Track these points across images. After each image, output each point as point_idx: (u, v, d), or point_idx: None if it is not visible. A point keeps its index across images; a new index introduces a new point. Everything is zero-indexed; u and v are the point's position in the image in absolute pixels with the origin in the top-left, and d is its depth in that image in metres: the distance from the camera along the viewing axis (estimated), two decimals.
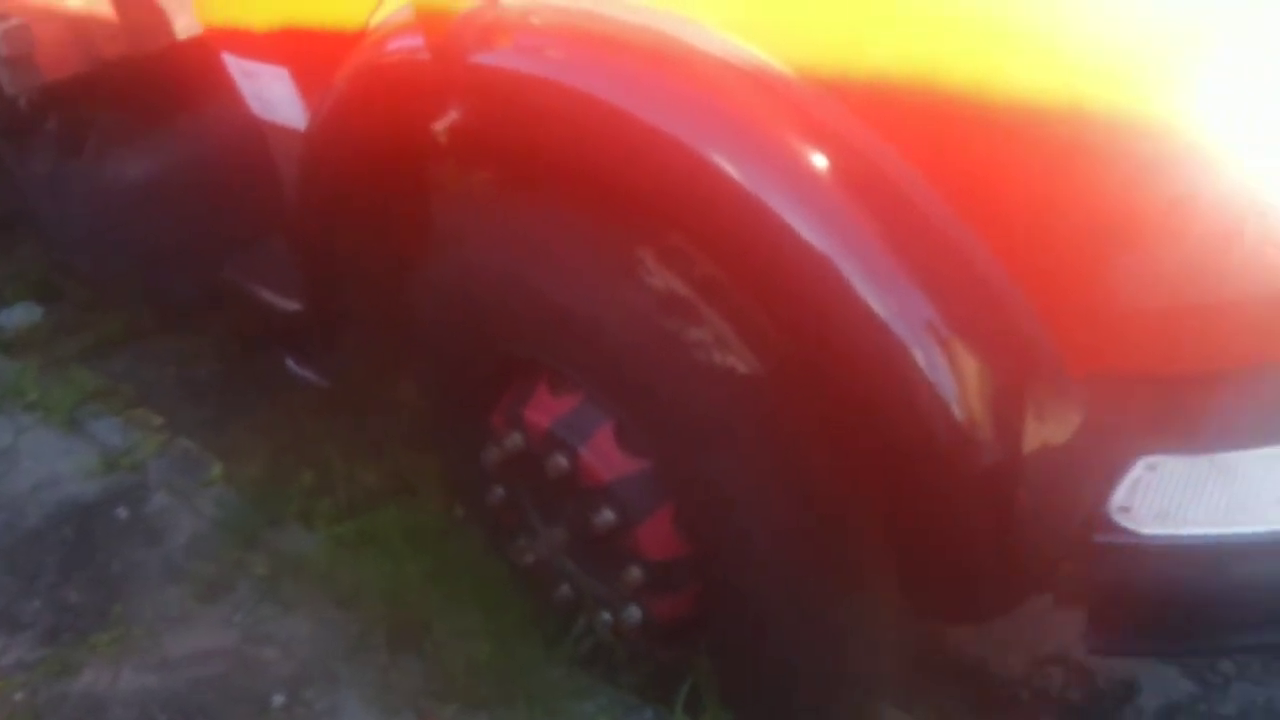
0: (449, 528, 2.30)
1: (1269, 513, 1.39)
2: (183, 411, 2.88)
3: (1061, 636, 2.15)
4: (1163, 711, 2.11)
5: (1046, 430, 1.44)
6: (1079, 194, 1.30)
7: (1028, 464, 1.45)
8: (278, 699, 2.05)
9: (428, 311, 1.97)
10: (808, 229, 1.39)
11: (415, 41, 1.65)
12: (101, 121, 2.57)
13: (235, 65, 2.11)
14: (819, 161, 1.39)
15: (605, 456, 1.76)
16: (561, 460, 1.79)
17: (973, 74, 1.29)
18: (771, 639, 1.77)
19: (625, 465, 1.75)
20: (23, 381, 2.92)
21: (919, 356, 1.39)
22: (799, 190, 1.41)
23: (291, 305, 2.25)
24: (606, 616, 1.92)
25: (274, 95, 2.06)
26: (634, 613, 1.85)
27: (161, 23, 2.34)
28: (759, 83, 1.42)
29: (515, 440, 1.87)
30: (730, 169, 1.42)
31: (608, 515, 1.77)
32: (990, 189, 1.35)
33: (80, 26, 2.41)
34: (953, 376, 1.40)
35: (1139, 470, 1.42)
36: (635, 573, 1.79)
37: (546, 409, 1.82)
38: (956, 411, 1.41)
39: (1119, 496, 1.42)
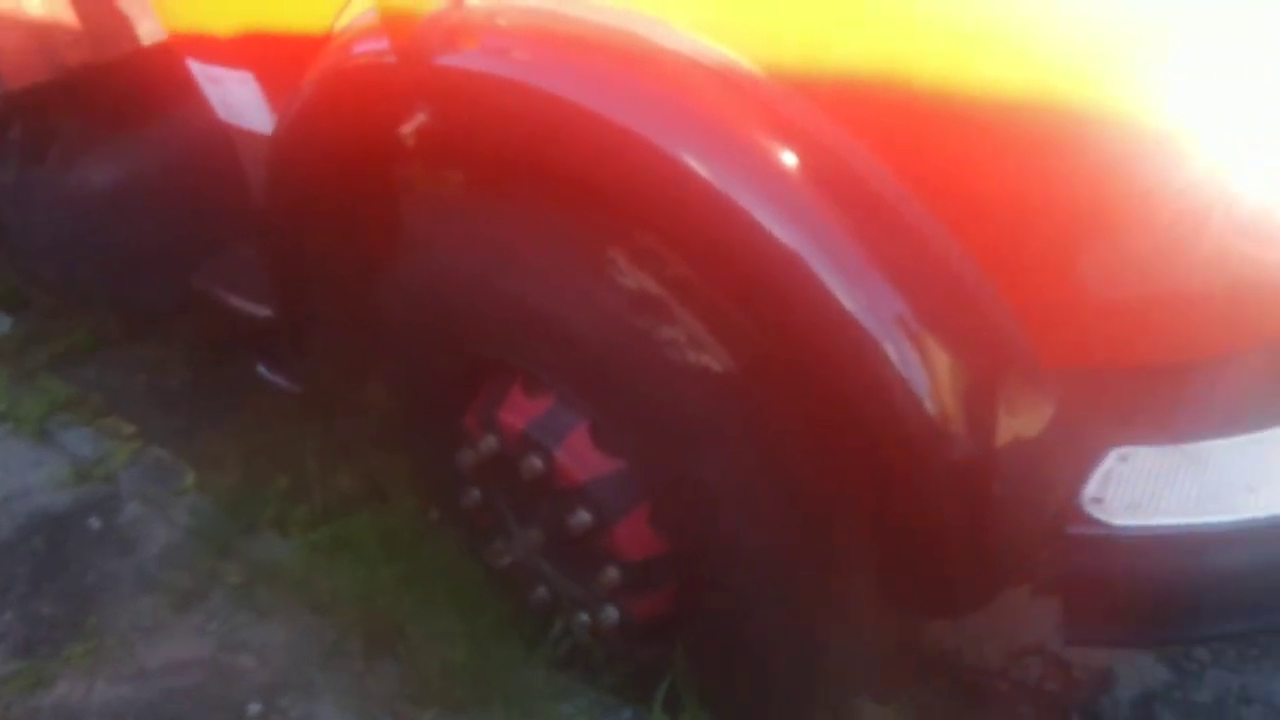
0: (424, 531, 2.29)
1: (1240, 501, 1.40)
2: (154, 420, 2.85)
3: (1038, 628, 2.16)
4: (1139, 700, 2.13)
5: (1019, 423, 1.45)
6: (1048, 187, 1.31)
7: (1001, 457, 1.45)
8: (254, 707, 2.04)
9: (398, 314, 1.96)
10: (777, 226, 1.39)
11: (381, 44, 1.64)
12: (65, 129, 2.55)
13: (200, 71, 2.09)
14: (788, 159, 1.39)
15: (580, 457, 1.76)
16: (536, 462, 1.78)
17: (941, 70, 1.29)
18: (749, 636, 1.77)
19: (601, 465, 1.75)
20: None
21: (890, 351, 1.40)
22: (768, 188, 1.41)
23: (261, 310, 2.23)
24: (584, 617, 1.91)
25: (240, 100, 2.04)
26: (611, 613, 1.85)
27: (124, 29, 2.32)
28: (726, 81, 1.42)
29: (489, 442, 1.87)
30: (699, 168, 1.41)
31: (584, 516, 1.76)
32: (960, 184, 1.35)
33: (42, 33, 2.38)
34: (924, 370, 1.41)
35: (1111, 461, 1.44)
36: (612, 573, 1.79)
37: (520, 410, 1.82)
38: (928, 405, 1.41)
39: (1091, 488, 1.43)
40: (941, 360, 1.42)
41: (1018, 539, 1.54)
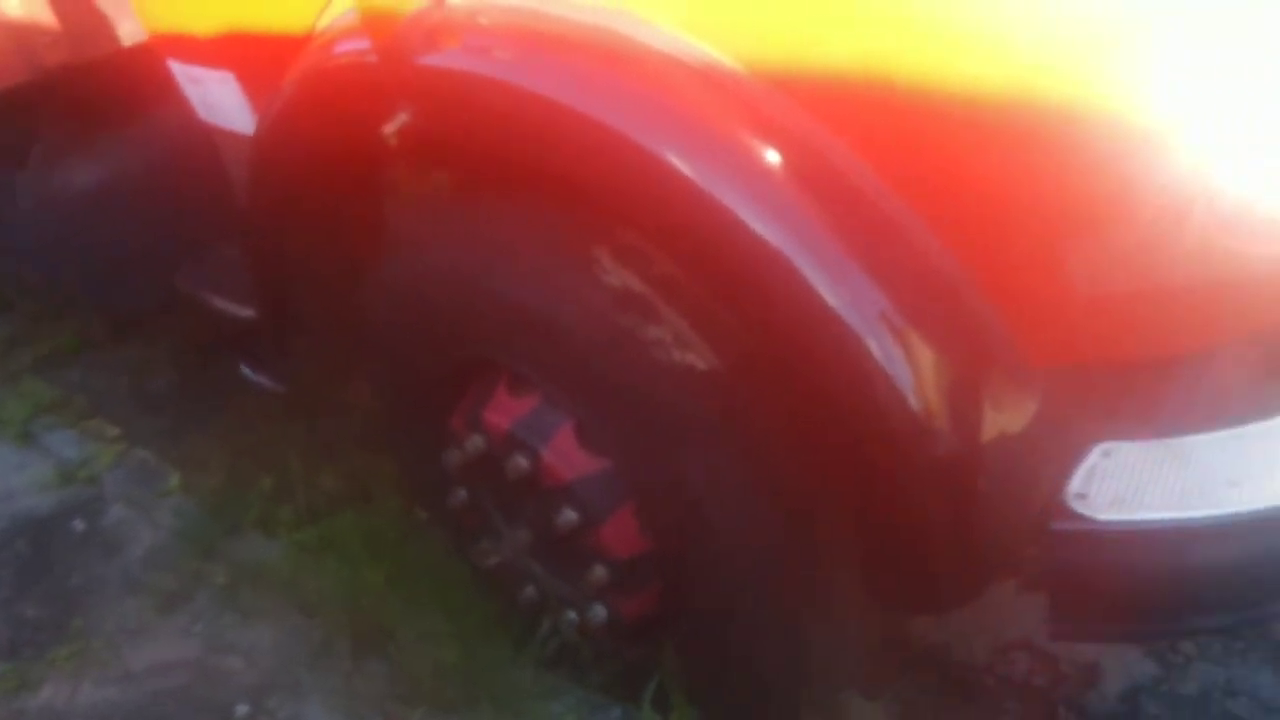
0: (410, 531, 2.29)
1: (1222, 496, 1.40)
2: (138, 422, 2.84)
3: (1025, 623, 2.16)
4: (1126, 693, 2.13)
5: (1003, 418, 1.45)
6: (1030, 184, 1.31)
7: (985, 452, 1.46)
8: (241, 709, 2.03)
9: (382, 314, 1.96)
10: (760, 224, 1.39)
11: (362, 44, 1.64)
12: (46, 130, 2.53)
13: (181, 71, 2.09)
14: (770, 157, 1.39)
15: (567, 456, 1.76)
16: (523, 461, 1.78)
17: (923, 67, 1.29)
18: (736, 634, 1.77)
19: (587, 464, 1.75)
20: None
21: (874, 348, 1.40)
22: (750, 185, 1.41)
23: (244, 311, 2.23)
24: (572, 616, 1.91)
25: (221, 100, 2.03)
26: (599, 612, 1.85)
27: (104, 29, 2.30)
28: (709, 79, 1.42)
29: (475, 442, 1.86)
30: (682, 166, 1.41)
31: (570, 515, 1.76)
32: (942, 180, 1.35)
33: (20, 34, 2.37)
34: (908, 367, 1.41)
35: (1095, 457, 1.44)
36: (599, 571, 1.79)
37: (506, 410, 1.82)
38: (913, 402, 1.41)
39: (1075, 483, 1.44)
40: (925, 356, 1.42)
41: (1003, 534, 1.54)
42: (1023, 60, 1.26)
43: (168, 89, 2.12)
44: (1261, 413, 1.44)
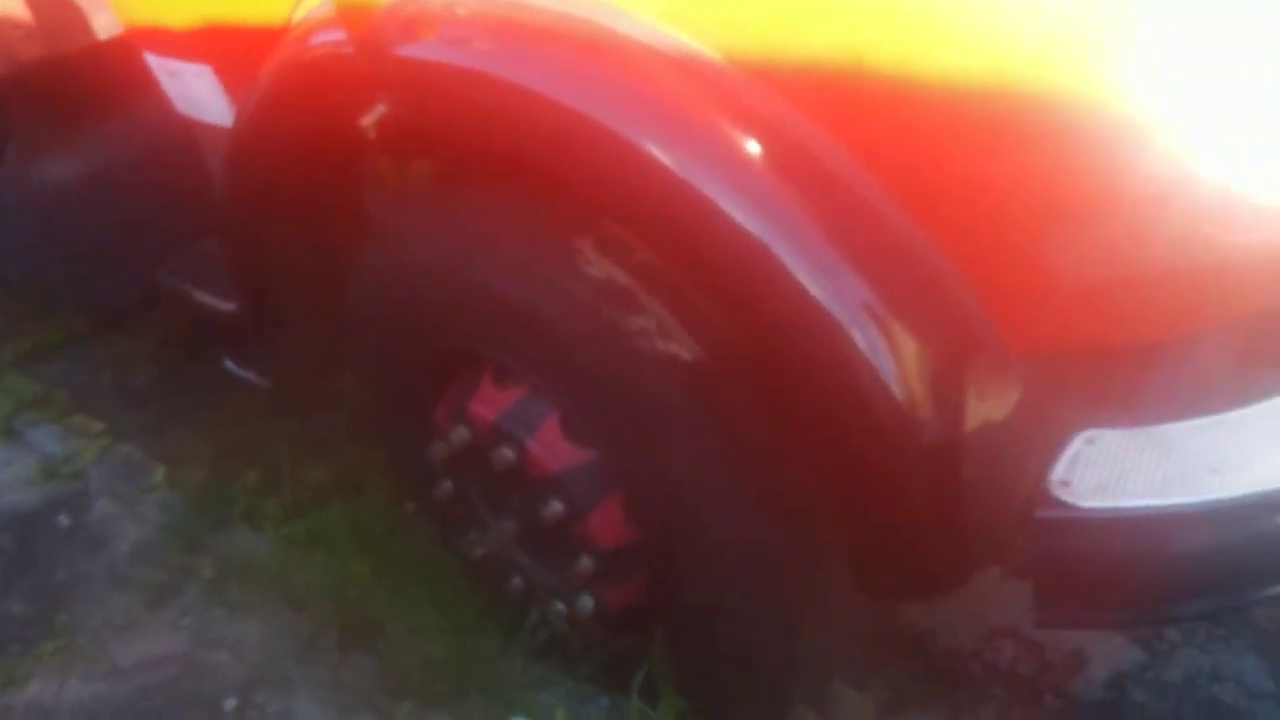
0: (397, 524, 2.29)
1: (1204, 483, 1.40)
2: (122, 417, 2.83)
3: (1010, 610, 2.17)
4: (1112, 680, 2.14)
5: (986, 407, 1.45)
6: (1012, 173, 1.31)
7: (969, 441, 1.46)
8: (230, 703, 2.03)
9: (365, 307, 1.95)
10: (742, 214, 1.39)
11: (338, 35, 1.63)
12: (23, 126, 2.52)
13: (158, 64, 2.07)
14: (751, 147, 1.39)
15: (552, 448, 1.76)
16: (508, 453, 1.78)
17: (904, 57, 1.29)
18: (724, 623, 1.77)
19: (573, 456, 1.75)
20: None
21: (857, 338, 1.40)
22: (732, 175, 1.40)
23: (226, 305, 2.21)
24: (560, 607, 1.92)
25: (199, 93, 2.02)
26: (587, 602, 1.85)
27: (79, 22, 2.29)
28: (688, 69, 1.41)
29: (461, 434, 1.86)
30: (662, 156, 1.41)
31: (557, 506, 1.77)
32: (923, 170, 1.35)
33: None
34: (891, 356, 1.41)
35: (1078, 445, 1.44)
36: (586, 562, 1.79)
37: (491, 402, 1.81)
38: (896, 391, 1.42)
39: (1059, 471, 1.44)
40: (909, 346, 1.42)
41: (988, 522, 1.54)
42: (1004, 49, 1.26)
43: (145, 82, 2.11)
44: (1243, 400, 1.44)
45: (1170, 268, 1.31)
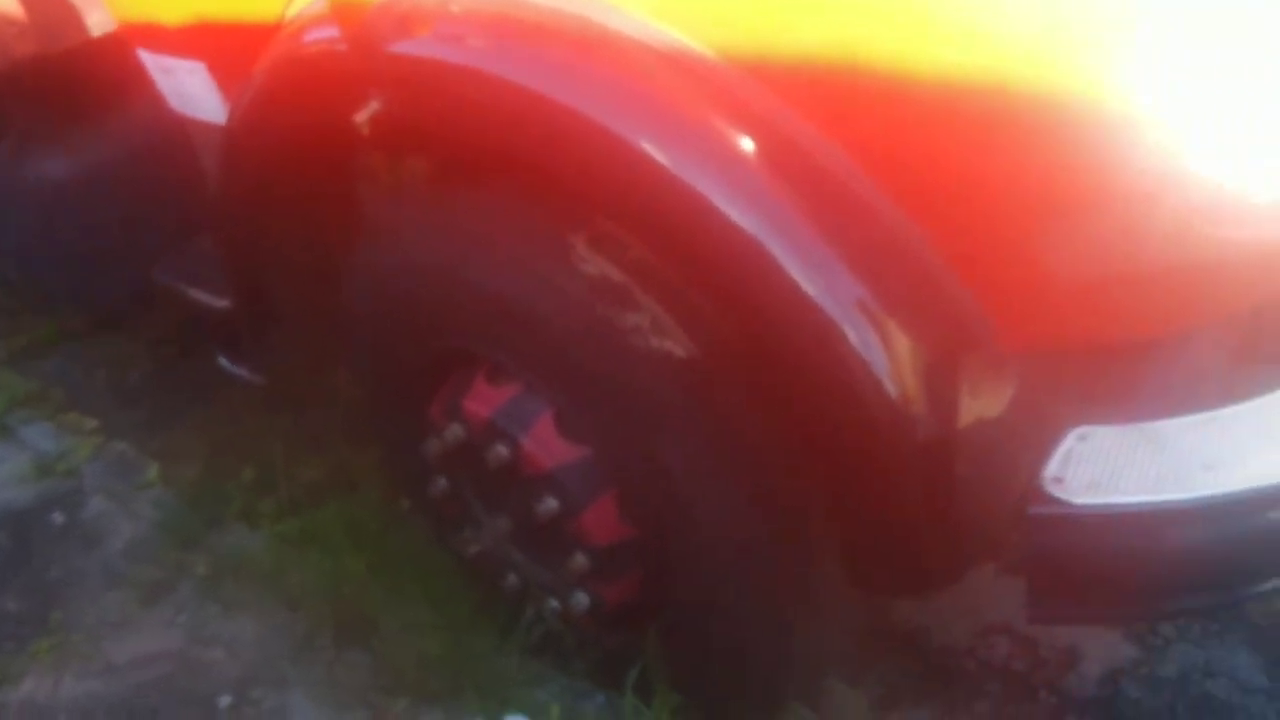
0: (392, 522, 2.29)
1: (1197, 479, 1.40)
2: (116, 414, 2.82)
3: (1004, 606, 2.17)
4: (1106, 676, 2.14)
5: (979, 404, 1.46)
6: (1006, 170, 1.31)
7: (963, 437, 1.46)
8: (225, 700, 2.03)
9: (359, 304, 1.95)
10: (735, 211, 1.39)
11: (331, 32, 1.63)
12: (16, 123, 2.51)
13: (151, 61, 2.07)
14: (744, 144, 1.39)
15: (546, 445, 1.76)
16: (503, 450, 1.78)
17: (897, 53, 1.29)
18: (718, 619, 1.78)
19: (567, 453, 1.75)
20: None
21: (851, 334, 1.40)
22: (725, 172, 1.40)
23: (221, 303, 2.21)
24: (555, 604, 1.92)
25: (192, 90, 2.02)
26: (581, 599, 1.85)
27: (73, 20, 2.28)
28: (680, 66, 1.41)
29: (455, 431, 1.86)
30: (655, 153, 1.41)
31: (551, 503, 1.76)
32: (917, 167, 1.35)
33: None
34: (885, 353, 1.41)
35: (1071, 441, 1.45)
36: (581, 559, 1.79)
37: (486, 399, 1.81)
38: (890, 387, 1.42)
39: (1052, 468, 1.44)
40: (902, 343, 1.42)
41: (982, 518, 1.54)
42: (996, 46, 1.25)
43: (139, 80, 2.11)
44: (1236, 396, 1.45)
45: (1163, 264, 1.31)
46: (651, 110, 1.43)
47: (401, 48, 1.56)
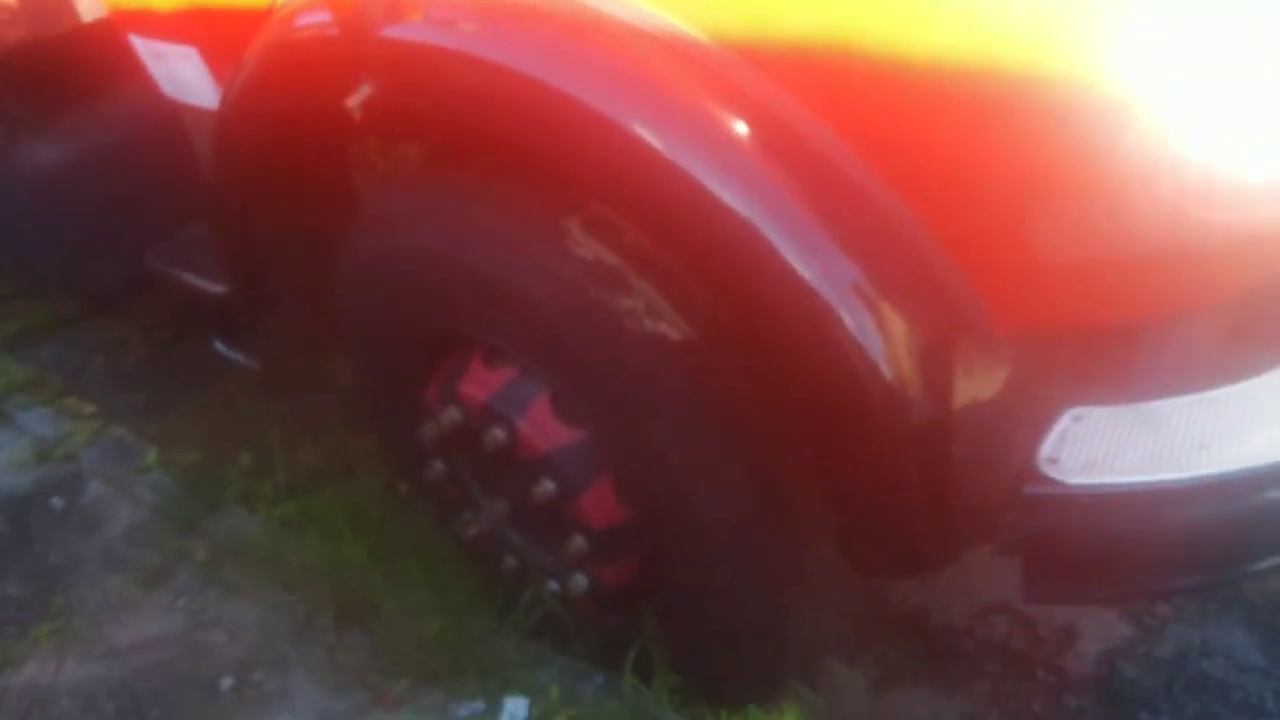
0: (391, 505, 2.29)
1: (1192, 459, 1.40)
2: (114, 399, 2.84)
3: (1002, 586, 2.18)
4: (1103, 655, 2.15)
5: (975, 385, 1.46)
6: (999, 153, 1.30)
7: (958, 419, 1.46)
8: (226, 682, 2.04)
9: (354, 288, 1.95)
10: (729, 194, 1.39)
11: (323, 17, 1.62)
12: (8, 109, 2.50)
13: (143, 46, 2.06)
14: (738, 127, 1.38)
15: (543, 427, 1.76)
16: (499, 433, 1.78)
17: (891, 37, 1.28)
18: (715, 601, 1.78)
19: (563, 435, 1.75)
20: None
21: (846, 317, 1.40)
22: (719, 156, 1.40)
23: (216, 288, 2.21)
24: (553, 586, 1.92)
25: (185, 76, 2.01)
26: (580, 581, 1.86)
27: (64, 5, 2.27)
28: (674, 50, 1.40)
29: (452, 415, 1.86)
30: (650, 137, 1.40)
31: (548, 485, 1.77)
32: (910, 150, 1.34)
33: None
34: (880, 336, 1.41)
35: (1065, 422, 1.44)
36: (579, 541, 1.80)
37: (482, 383, 1.81)
38: (885, 370, 1.42)
39: (1047, 448, 1.43)
40: (897, 325, 1.42)
41: (979, 499, 1.54)
42: (990, 30, 1.25)
43: (131, 65, 2.10)
44: (1229, 377, 1.44)
45: (1156, 247, 1.31)
46: (645, 94, 1.43)
47: (393, 32, 1.56)
